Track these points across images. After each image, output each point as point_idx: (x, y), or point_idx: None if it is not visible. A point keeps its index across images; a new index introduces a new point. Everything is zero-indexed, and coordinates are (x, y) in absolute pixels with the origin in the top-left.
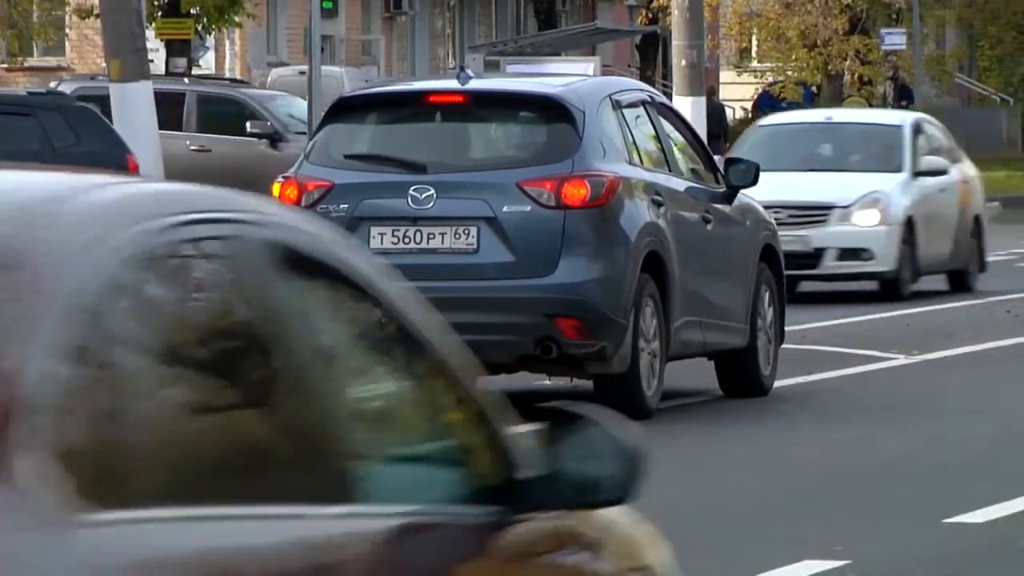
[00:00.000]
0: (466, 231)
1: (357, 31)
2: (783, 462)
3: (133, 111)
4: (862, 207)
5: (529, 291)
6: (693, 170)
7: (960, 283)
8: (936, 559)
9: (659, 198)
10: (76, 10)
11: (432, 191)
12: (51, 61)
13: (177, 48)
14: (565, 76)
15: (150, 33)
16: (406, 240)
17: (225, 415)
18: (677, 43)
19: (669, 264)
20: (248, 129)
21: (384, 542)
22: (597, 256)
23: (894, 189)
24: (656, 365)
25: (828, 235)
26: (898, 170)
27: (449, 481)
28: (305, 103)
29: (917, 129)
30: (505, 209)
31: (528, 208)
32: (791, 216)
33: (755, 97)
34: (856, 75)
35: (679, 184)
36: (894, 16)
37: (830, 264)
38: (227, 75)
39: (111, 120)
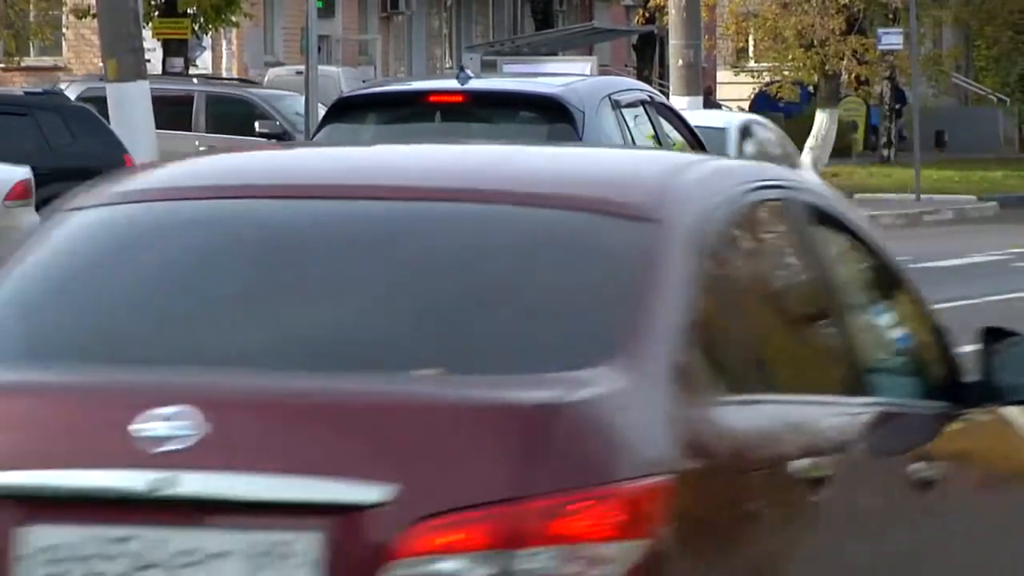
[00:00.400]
0: None
1: (354, 31)
2: None
3: (130, 111)
4: None
5: None
6: None
7: None
8: None
9: None
10: (73, 10)
11: None
12: (48, 61)
13: (174, 48)
14: (564, 76)
15: (147, 33)
16: None
17: (798, 329)
18: (674, 43)
19: None
20: (257, 129)
21: (882, 424)
22: None
23: None
24: None
25: None
26: None
27: (916, 382)
28: None
29: (745, 132)
30: None
31: None
32: None
33: (752, 97)
34: (853, 75)
35: None
36: (891, 16)
37: None
38: (224, 75)
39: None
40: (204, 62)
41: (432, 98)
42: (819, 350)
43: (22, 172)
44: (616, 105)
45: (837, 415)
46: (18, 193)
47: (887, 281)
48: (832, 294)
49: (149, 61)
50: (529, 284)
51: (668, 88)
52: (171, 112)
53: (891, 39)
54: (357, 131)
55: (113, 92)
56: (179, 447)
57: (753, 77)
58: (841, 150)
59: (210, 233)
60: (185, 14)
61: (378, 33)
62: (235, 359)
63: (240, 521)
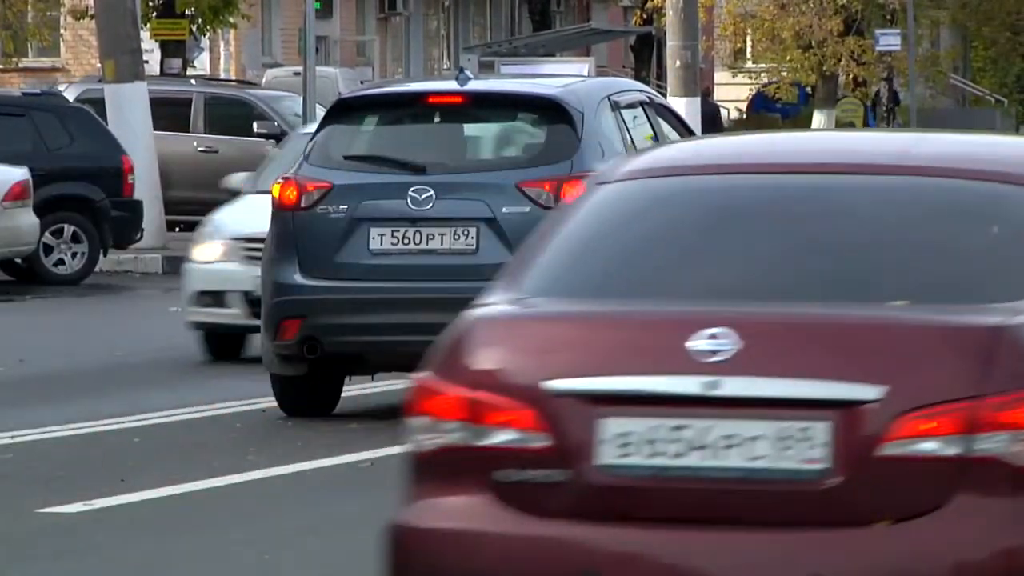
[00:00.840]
0: (465, 232)
1: (351, 32)
2: None
3: (128, 112)
4: None
5: None
6: None
7: None
8: None
9: None
10: (71, 11)
11: (431, 192)
12: (46, 62)
13: (172, 49)
14: (562, 77)
15: (145, 34)
16: (405, 241)
17: None
18: (672, 44)
19: None
20: (255, 130)
21: None
22: None
23: None
24: None
25: None
26: None
27: None
28: None
29: None
30: (504, 210)
31: (527, 209)
32: None
33: (750, 98)
34: (851, 76)
35: None
36: (889, 17)
37: None
38: (222, 76)
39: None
40: (202, 63)
41: (432, 99)
42: None
43: (20, 173)
44: (615, 106)
45: None
46: (16, 194)
47: None
48: None
49: (147, 62)
50: (961, 238)
51: (666, 89)
52: (169, 113)
53: (889, 40)
54: (356, 132)
55: (111, 93)
56: (722, 359)
57: (751, 78)
58: None
59: (723, 200)
60: (183, 15)
61: (376, 34)
62: (760, 294)
63: (769, 413)
